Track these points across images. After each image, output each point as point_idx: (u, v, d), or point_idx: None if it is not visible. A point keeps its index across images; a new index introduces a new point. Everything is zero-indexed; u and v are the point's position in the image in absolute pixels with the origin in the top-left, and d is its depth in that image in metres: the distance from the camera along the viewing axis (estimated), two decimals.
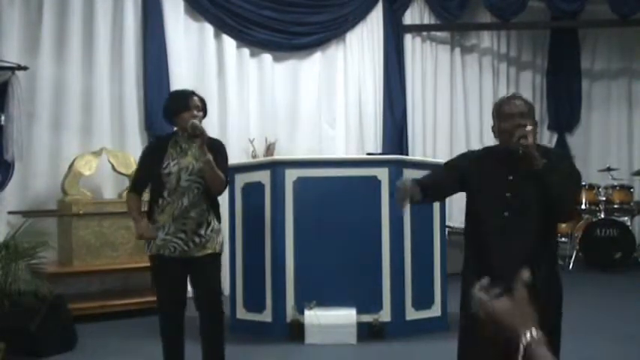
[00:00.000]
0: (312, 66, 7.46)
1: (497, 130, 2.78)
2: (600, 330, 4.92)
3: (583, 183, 7.94)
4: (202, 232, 3.42)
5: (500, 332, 1.20)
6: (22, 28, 5.78)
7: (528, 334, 1.17)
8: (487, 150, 2.94)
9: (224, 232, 5.65)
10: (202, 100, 3.56)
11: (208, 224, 3.45)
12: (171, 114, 3.50)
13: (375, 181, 4.77)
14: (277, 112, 7.21)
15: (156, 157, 3.46)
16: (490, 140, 3.00)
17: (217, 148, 3.48)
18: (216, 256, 3.50)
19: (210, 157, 3.32)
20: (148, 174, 3.48)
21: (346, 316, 4.60)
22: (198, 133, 3.31)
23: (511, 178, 2.70)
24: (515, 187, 2.69)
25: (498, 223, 2.71)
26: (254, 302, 4.85)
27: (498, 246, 2.71)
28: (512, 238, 2.67)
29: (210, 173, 3.35)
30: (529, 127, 2.62)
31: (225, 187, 3.53)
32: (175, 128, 3.55)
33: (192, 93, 3.56)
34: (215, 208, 3.51)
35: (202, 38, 6.75)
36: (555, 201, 2.64)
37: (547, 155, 2.67)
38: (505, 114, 2.72)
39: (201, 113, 3.48)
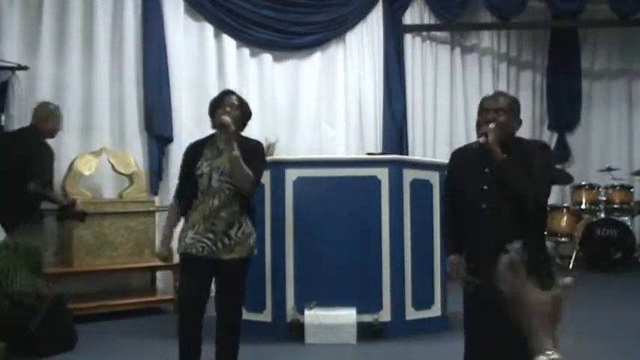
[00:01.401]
0: (312, 66, 7.46)
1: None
2: (600, 330, 4.92)
3: (583, 183, 7.96)
4: (232, 233, 3.38)
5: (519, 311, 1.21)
6: (22, 28, 5.78)
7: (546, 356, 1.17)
8: (470, 144, 3.01)
9: None
10: (241, 100, 3.55)
11: (239, 226, 3.41)
12: (211, 114, 3.52)
13: (375, 181, 4.77)
14: (277, 112, 7.21)
15: (192, 160, 3.47)
16: None
17: (253, 148, 3.46)
18: (244, 262, 3.46)
19: (237, 153, 3.28)
20: (187, 177, 3.48)
21: (346, 316, 4.60)
22: (224, 128, 3.30)
23: (487, 170, 2.78)
24: (490, 180, 2.76)
25: (476, 214, 2.80)
26: (254, 302, 4.84)
27: (478, 236, 2.80)
28: (489, 229, 2.74)
29: (237, 170, 3.30)
30: (491, 125, 2.72)
31: (254, 187, 3.43)
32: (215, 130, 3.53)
33: (230, 92, 3.57)
34: (248, 209, 3.47)
35: (202, 38, 6.75)
36: (516, 194, 2.71)
37: (520, 148, 2.78)
38: (481, 108, 2.84)
39: (237, 112, 3.45)
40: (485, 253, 2.69)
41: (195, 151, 3.51)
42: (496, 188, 2.76)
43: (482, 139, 2.73)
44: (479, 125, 2.82)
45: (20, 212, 4.57)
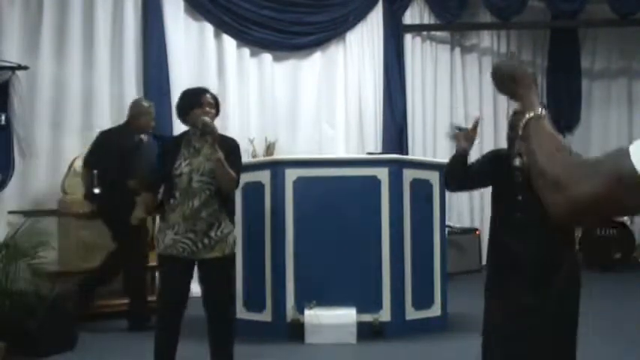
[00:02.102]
0: (312, 66, 7.47)
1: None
2: (600, 330, 4.92)
3: None
4: (212, 233, 3.40)
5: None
6: (22, 28, 5.79)
7: (533, 112, 1.24)
8: (506, 150, 2.99)
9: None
10: (215, 99, 3.55)
11: (219, 225, 3.43)
12: (184, 112, 3.50)
13: (375, 181, 4.77)
14: (277, 112, 7.21)
15: (169, 158, 3.46)
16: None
17: (231, 147, 3.48)
18: (226, 259, 3.49)
19: (221, 155, 3.31)
20: (162, 175, 3.48)
21: (346, 315, 4.60)
22: (209, 131, 3.30)
23: (521, 179, 2.78)
24: (524, 189, 2.74)
25: (510, 223, 2.80)
26: (254, 302, 4.85)
27: (511, 242, 2.79)
28: (523, 238, 2.75)
29: (221, 171, 3.34)
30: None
31: (236, 186, 3.52)
32: (188, 128, 3.54)
33: (206, 90, 3.56)
34: (228, 208, 3.50)
35: (202, 38, 6.76)
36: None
37: None
38: (512, 125, 2.80)
39: (213, 111, 3.47)
40: (517, 265, 2.75)
41: (172, 150, 3.48)
42: (530, 199, 2.74)
43: (518, 162, 2.74)
44: (511, 141, 2.83)
45: (122, 209, 4.74)
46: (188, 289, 3.49)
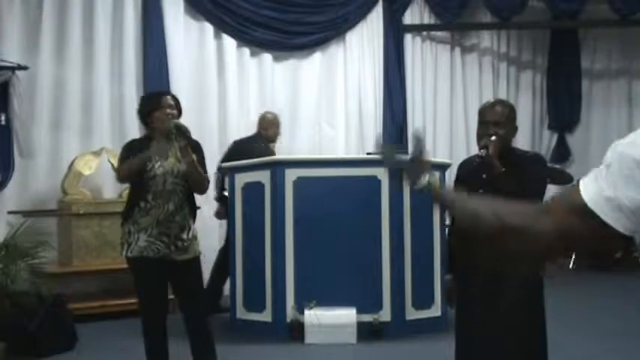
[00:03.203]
0: (312, 66, 7.46)
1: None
2: (600, 329, 4.92)
3: None
4: (184, 236, 3.42)
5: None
6: (22, 28, 5.78)
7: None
8: (474, 156, 3.09)
9: (224, 232, 5.69)
10: (176, 99, 3.53)
11: (189, 229, 3.45)
12: (145, 114, 3.47)
13: (375, 181, 4.77)
14: (277, 112, 7.20)
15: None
16: None
17: (196, 148, 3.47)
18: (197, 259, 3.53)
19: (194, 157, 3.32)
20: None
21: (346, 316, 4.60)
22: (183, 132, 3.28)
23: (484, 176, 2.89)
24: (489, 186, 2.84)
25: None
26: (254, 302, 4.85)
27: (472, 242, 2.84)
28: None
29: (196, 174, 3.36)
30: (493, 138, 2.84)
31: (207, 187, 3.56)
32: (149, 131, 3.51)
33: (165, 93, 3.58)
34: (193, 211, 3.52)
35: (202, 38, 6.75)
36: None
37: (518, 160, 2.90)
38: (480, 120, 2.94)
39: (175, 112, 3.44)
40: (479, 256, 2.78)
41: (141, 151, 3.41)
42: (492, 194, 2.82)
43: (483, 152, 2.84)
44: (480, 137, 2.92)
45: None
46: (167, 290, 3.49)
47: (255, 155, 5.14)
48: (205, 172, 3.48)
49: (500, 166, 2.83)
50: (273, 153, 5.61)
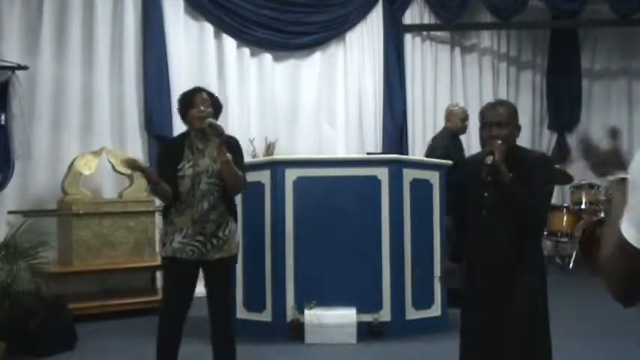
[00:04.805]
0: (312, 66, 7.46)
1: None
2: (600, 329, 4.93)
3: (584, 182, 7.94)
4: (221, 234, 3.38)
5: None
6: (22, 28, 5.79)
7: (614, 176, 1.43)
8: (479, 154, 3.05)
9: None
10: (212, 96, 3.48)
11: (227, 225, 3.41)
12: (181, 114, 3.46)
13: (375, 181, 4.77)
14: (277, 112, 7.21)
15: (172, 159, 3.38)
16: None
17: (234, 147, 3.41)
18: (232, 259, 3.49)
19: (229, 156, 3.26)
20: (165, 177, 3.33)
21: (346, 315, 4.60)
22: (217, 132, 3.21)
23: (489, 178, 2.83)
24: (492, 187, 2.82)
25: (477, 220, 2.87)
26: (254, 302, 4.85)
27: (478, 241, 2.87)
28: (489, 236, 2.82)
29: (230, 173, 3.28)
30: (499, 142, 2.76)
31: (244, 186, 3.46)
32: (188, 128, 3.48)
33: (199, 89, 3.48)
34: (233, 208, 3.47)
35: (202, 38, 6.76)
36: (519, 212, 2.77)
37: (523, 161, 2.82)
38: (483, 122, 2.88)
39: (210, 109, 3.38)
40: (484, 259, 2.84)
41: (173, 151, 3.42)
42: (496, 196, 2.81)
43: (489, 160, 2.75)
44: (483, 140, 2.85)
45: None
46: (193, 292, 3.47)
47: (445, 149, 5.60)
48: (243, 171, 3.39)
49: (507, 174, 2.73)
50: (456, 147, 5.88)
